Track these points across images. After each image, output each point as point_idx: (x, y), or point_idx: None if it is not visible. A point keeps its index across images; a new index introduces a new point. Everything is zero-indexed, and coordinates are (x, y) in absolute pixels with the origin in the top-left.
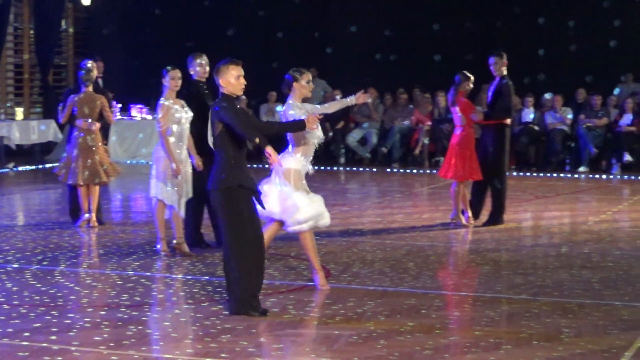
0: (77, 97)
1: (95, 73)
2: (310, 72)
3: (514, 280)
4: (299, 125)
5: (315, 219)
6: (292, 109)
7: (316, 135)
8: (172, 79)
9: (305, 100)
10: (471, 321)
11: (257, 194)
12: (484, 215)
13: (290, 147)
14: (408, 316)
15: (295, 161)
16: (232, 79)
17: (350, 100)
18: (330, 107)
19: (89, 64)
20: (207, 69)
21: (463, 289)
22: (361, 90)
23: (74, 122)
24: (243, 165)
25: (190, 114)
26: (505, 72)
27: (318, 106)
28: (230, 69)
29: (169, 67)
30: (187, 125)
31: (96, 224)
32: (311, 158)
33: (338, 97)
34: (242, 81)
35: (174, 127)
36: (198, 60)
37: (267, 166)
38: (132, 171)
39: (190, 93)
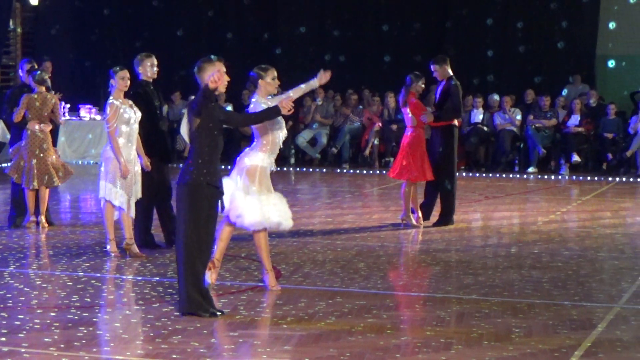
0: (29, 97)
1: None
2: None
3: (464, 281)
4: (274, 111)
5: (261, 223)
6: (260, 107)
7: (282, 131)
8: (122, 79)
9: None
10: (422, 321)
11: (222, 194)
12: (434, 216)
13: (255, 144)
14: (359, 316)
15: (261, 158)
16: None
17: (314, 82)
18: (296, 93)
19: (34, 64)
20: (156, 69)
21: (414, 289)
22: (321, 70)
23: (24, 123)
24: (215, 164)
25: (139, 114)
26: (451, 73)
27: (286, 93)
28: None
29: (116, 68)
30: (136, 126)
31: (46, 225)
32: (276, 155)
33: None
34: (225, 77)
35: (123, 128)
36: (148, 61)
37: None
38: (81, 172)
39: (137, 93)
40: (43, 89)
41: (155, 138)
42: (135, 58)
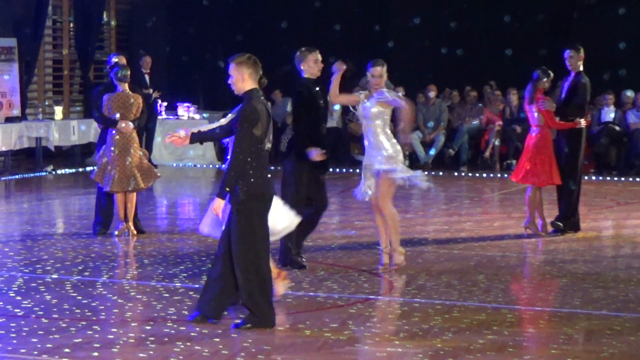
0: (112, 97)
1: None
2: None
3: (594, 295)
4: None
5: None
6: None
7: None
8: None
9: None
10: (547, 339)
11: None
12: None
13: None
14: (478, 333)
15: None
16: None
17: None
18: None
19: (122, 59)
20: (322, 66)
21: (538, 304)
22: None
23: (108, 124)
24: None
25: None
26: (581, 68)
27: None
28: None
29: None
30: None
31: (135, 232)
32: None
33: (400, 93)
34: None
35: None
36: (312, 57)
37: None
38: (178, 175)
39: (300, 92)
40: (126, 86)
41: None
42: (296, 53)
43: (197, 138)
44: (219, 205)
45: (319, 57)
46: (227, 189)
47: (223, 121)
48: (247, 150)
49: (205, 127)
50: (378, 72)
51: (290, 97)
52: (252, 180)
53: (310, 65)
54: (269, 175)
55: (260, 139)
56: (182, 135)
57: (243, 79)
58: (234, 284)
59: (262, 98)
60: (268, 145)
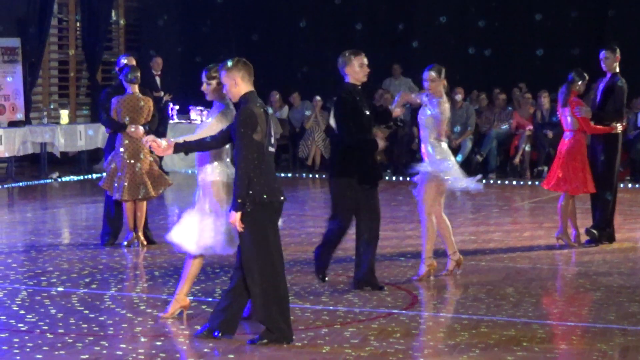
0: (121, 99)
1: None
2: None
3: (630, 309)
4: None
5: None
6: None
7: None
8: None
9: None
10: (580, 356)
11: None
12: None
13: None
14: (507, 349)
15: (213, 172)
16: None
17: None
18: None
19: (131, 60)
20: (368, 70)
21: (570, 319)
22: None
23: (117, 128)
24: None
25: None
26: (617, 69)
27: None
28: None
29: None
30: None
31: (145, 242)
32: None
33: (459, 96)
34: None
35: None
36: (358, 60)
37: None
38: (190, 182)
39: (343, 99)
40: (136, 89)
41: (358, 154)
42: (339, 57)
43: (182, 148)
44: (237, 219)
45: (365, 60)
46: (240, 200)
47: (209, 125)
48: (249, 157)
49: (191, 136)
50: (432, 76)
51: (308, 100)
52: (258, 187)
53: (356, 70)
54: (277, 181)
55: (261, 143)
56: (164, 145)
57: (236, 83)
58: (246, 298)
59: (260, 101)
60: (272, 149)
